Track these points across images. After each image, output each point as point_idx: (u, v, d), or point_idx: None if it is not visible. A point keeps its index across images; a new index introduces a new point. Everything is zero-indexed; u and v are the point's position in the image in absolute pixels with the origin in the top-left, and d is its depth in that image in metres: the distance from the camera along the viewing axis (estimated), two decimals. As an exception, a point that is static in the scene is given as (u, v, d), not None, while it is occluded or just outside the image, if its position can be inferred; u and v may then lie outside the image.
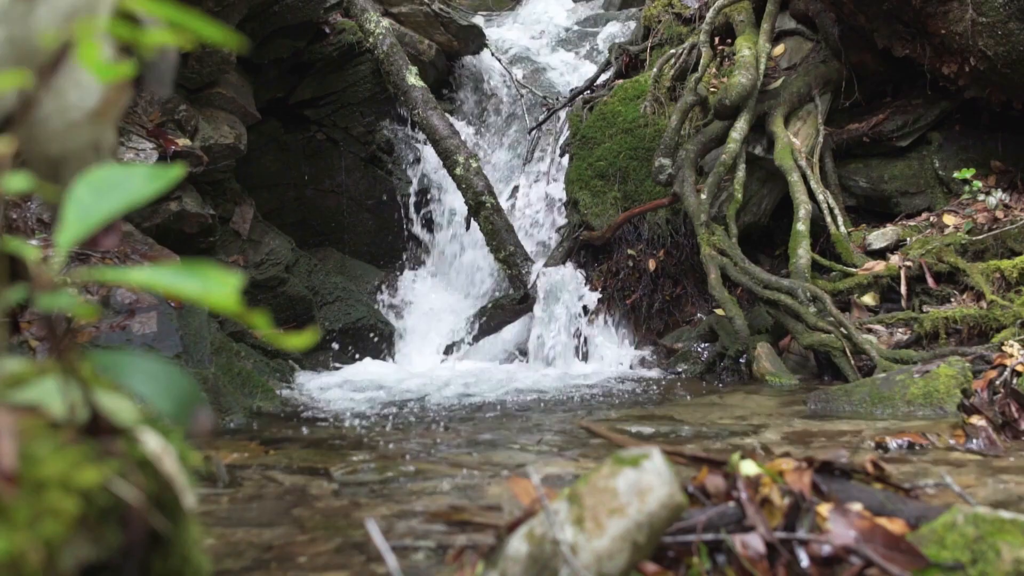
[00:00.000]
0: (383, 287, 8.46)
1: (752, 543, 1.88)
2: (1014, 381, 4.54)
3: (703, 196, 7.02)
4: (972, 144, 7.30)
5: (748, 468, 2.06)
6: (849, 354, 5.87)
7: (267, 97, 8.12)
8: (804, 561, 1.86)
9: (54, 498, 1.00)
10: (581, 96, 8.99)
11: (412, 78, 7.93)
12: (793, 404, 5.31)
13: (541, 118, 9.16)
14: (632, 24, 10.60)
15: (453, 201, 8.57)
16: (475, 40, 9.78)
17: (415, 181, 8.88)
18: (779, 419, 4.87)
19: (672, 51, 8.44)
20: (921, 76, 7.02)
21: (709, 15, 8.25)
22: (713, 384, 6.30)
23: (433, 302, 8.37)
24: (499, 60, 9.79)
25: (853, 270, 6.60)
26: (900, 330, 6.11)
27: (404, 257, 8.78)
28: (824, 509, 1.95)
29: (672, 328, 7.55)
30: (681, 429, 4.65)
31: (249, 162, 7.53)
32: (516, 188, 8.83)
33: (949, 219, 6.82)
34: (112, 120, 1.32)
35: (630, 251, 7.73)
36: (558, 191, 8.50)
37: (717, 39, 8.33)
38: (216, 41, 1.07)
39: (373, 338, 7.85)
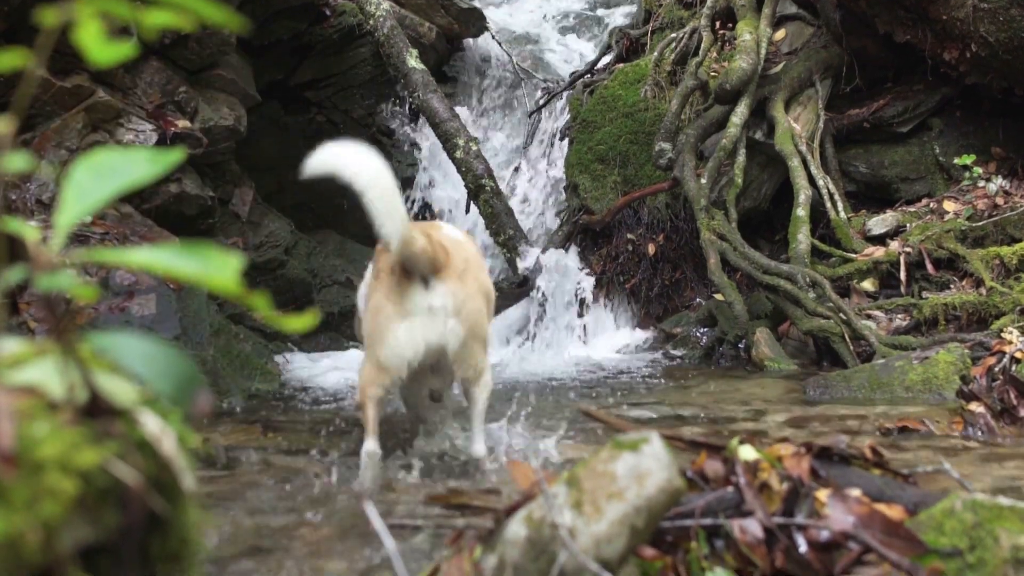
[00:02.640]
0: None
1: (750, 528, 1.88)
2: (1013, 368, 4.54)
3: (703, 181, 7.01)
4: (973, 130, 7.29)
5: (747, 453, 2.06)
6: (848, 340, 5.87)
7: (267, 79, 8.09)
8: (802, 546, 1.86)
9: (53, 479, 1.00)
10: (581, 80, 8.97)
11: (412, 60, 7.89)
12: (792, 389, 5.32)
13: (541, 101, 9.13)
14: (634, 8, 10.57)
15: (453, 184, 8.55)
16: (476, 23, 9.74)
17: (415, 164, 8.86)
18: (778, 404, 4.87)
19: (673, 35, 8.41)
20: (922, 62, 7.00)
21: (711, -1, 8.23)
22: (712, 369, 6.30)
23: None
24: (499, 43, 9.76)
25: (853, 256, 6.59)
26: (899, 316, 6.11)
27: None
28: (823, 494, 1.96)
29: (671, 313, 7.55)
30: (680, 413, 4.66)
31: (249, 144, 7.50)
32: (516, 171, 8.81)
33: (949, 205, 6.81)
34: None
35: (630, 235, 7.72)
36: (558, 175, 8.48)
37: (718, 23, 8.31)
38: (217, 22, 1.06)
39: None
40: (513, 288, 7.55)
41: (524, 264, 7.47)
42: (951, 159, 7.10)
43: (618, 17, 10.63)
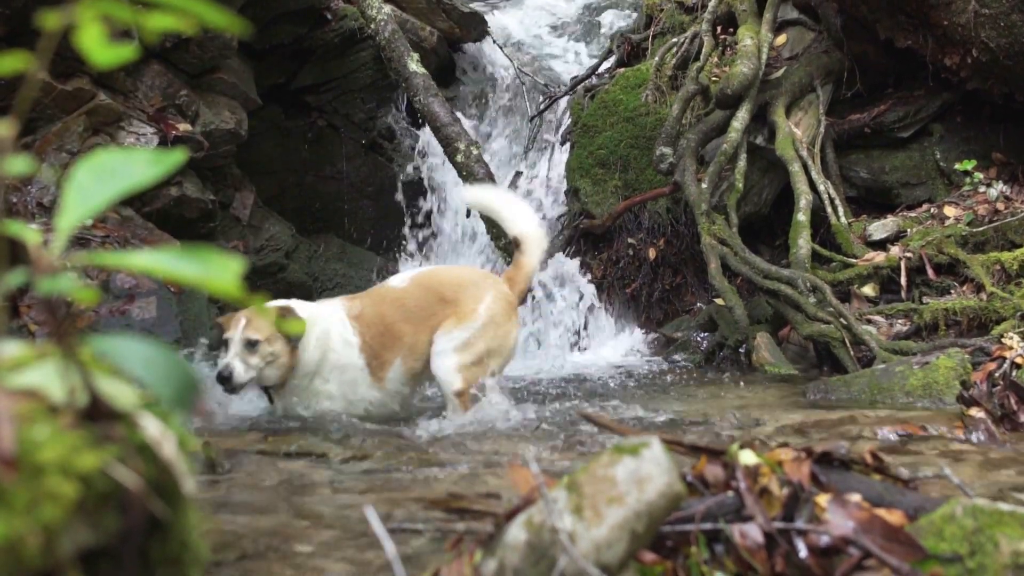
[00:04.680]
0: (383, 273, 8.44)
1: (750, 533, 1.88)
2: (1013, 373, 4.54)
3: (704, 185, 7.01)
4: (973, 136, 7.28)
5: (747, 458, 2.06)
6: (848, 345, 5.87)
7: (268, 83, 8.10)
8: (802, 551, 1.86)
9: (53, 483, 1.00)
10: (583, 84, 8.97)
11: (413, 65, 7.88)
12: (792, 394, 5.31)
13: (542, 106, 9.13)
14: (635, 13, 10.57)
15: (453, 189, 8.55)
16: (477, 27, 9.74)
17: (416, 168, 8.87)
18: (778, 409, 4.87)
19: (674, 40, 8.42)
20: (923, 67, 7.00)
21: (712, 4, 8.23)
22: (712, 374, 6.29)
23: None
24: (501, 47, 9.76)
25: (853, 260, 6.59)
26: (900, 321, 6.11)
27: (404, 243, 8.77)
28: (823, 499, 1.95)
29: (672, 317, 7.55)
30: (680, 418, 4.65)
31: (250, 148, 7.51)
32: (517, 175, 8.81)
33: (950, 210, 6.81)
34: None
35: (630, 240, 7.72)
36: (559, 179, 8.48)
37: (719, 28, 8.31)
38: (219, 26, 1.06)
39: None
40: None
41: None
42: (952, 164, 7.10)
43: (619, 22, 10.62)
